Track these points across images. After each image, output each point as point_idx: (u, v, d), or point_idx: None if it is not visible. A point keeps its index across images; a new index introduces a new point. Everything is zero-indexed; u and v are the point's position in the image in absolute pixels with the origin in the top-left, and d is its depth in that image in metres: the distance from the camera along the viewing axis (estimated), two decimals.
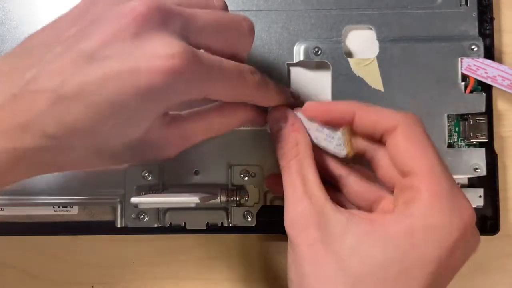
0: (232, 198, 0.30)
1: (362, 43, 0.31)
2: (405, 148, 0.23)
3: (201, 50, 0.21)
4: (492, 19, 0.31)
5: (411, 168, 0.22)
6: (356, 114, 0.24)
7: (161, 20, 0.20)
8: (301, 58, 0.30)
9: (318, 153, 0.26)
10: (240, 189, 0.30)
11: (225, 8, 0.24)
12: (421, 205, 0.22)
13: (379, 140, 0.24)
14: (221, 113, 0.25)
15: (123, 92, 0.19)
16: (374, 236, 0.22)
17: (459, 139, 0.30)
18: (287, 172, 0.24)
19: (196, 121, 0.24)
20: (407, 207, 0.22)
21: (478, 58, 0.30)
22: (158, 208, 0.30)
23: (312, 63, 0.31)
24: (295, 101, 0.28)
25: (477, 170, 0.30)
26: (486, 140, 0.30)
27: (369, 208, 0.25)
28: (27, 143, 0.19)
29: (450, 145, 0.30)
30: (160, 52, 0.19)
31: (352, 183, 0.26)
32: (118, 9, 0.20)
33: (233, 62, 0.22)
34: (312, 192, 0.23)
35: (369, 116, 0.24)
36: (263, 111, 0.26)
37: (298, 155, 0.24)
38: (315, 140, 0.25)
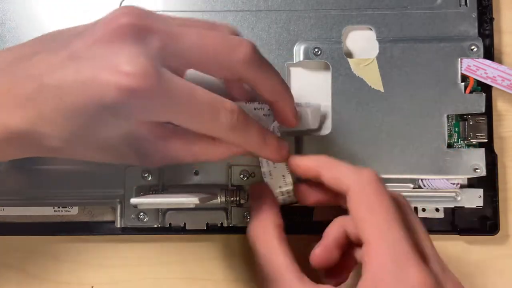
0: (231, 199, 0.30)
1: (362, 44, 0.31)
2: (355, 215, 0.23)
3: (173, 75, 0.21)
4: (491, 19, 0.31)
5: (361, 236, 0.22)
6: (320, 172, 0.25)
7: (138, 35, 0.20)
8: (301, 59, 0.30)
9: None
10: (240, 190, 0.30)
11: (232, 33, 0.23)
12: (368, 279, 0.21)
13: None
14: (210, 142, 0.24)
15: (83, 100, 0.20)
16: None
17: (459, 140, 0.30)
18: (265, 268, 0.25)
19: (184, 143, 0.24)
20: (360, 279, 0.22)
21: (477, 58, 0.30)
22: (157, 209, 0.30)
23: (312, 64, 0.31)
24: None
25: (476, 170, 0.30)
26: (486, 141, 0.30)
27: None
28: (13, 121, 0.21)
29: (450, 146, 0.30)
30: (123, 67, 0.19)
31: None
32: (107, 17, 0.21)
33: (208, 96, 0.21)
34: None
35: (329, 175, 0.25)
36: None
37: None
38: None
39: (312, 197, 0.27)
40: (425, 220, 0.31)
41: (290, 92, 0.26)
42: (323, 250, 0.25)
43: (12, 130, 0.21)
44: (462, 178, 0.30)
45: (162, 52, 0.21)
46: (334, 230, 0.25)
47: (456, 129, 0.31)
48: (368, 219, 0.22)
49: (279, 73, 0.25)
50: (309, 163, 0.26)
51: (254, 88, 0.24)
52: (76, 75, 0.20)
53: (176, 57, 0.21)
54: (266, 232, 0.26)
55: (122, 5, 0.31)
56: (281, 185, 0.28)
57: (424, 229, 0.24)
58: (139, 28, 0.20)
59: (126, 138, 0.23)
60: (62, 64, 0.20)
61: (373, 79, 0.30)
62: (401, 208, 0.24)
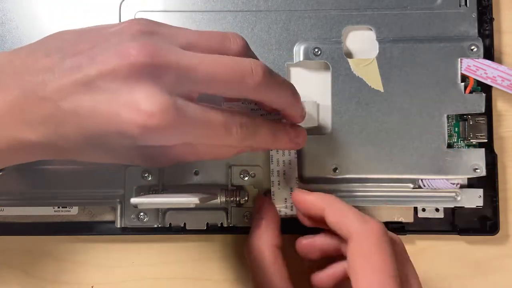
0: (231, 199, 0.30)
1: (362, 44, 0.31)
2: (351, 263, 0.23)
3: (188, 105, 0.21)
4: (491, 19, 0.31)
5: (353, 284, 0.23)
6: (324, 211, 0.25)
7: (154, 72, 0.21)
8: (301, 59, 0.30)
9: None
10: (240, 190, 0.30)
11: (243, 50, 0.24)
12: None
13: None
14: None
15: (103, 129, 0.21)
16: None
17: (459, 140, 0.31)
18: None
19: (189, 145, 0.24)
20: None
21: (477, 58, 0.30)
22: (158, 209, 0.30)
23: (312, 64, 0.31)
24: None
25: (476, 170, 0.30)
26: (486, 141, 0.30)
27: None
28: (28, 137, 0.21)
29: (449, 146, 0.30)
30: (142, 106, 0.20)
31: None
32: (120, 46, 0.21)
33: (221, 116, 0.22)
34: None
35: (332, 218, 0.25)
36: None
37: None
38: None
39: (310, 223, 0.28)
40: (425, 220, 0.31)
41: (298, 99, 0.26)
42: (308, 245, 0.26)
43: (26, 143, 0.22)
44: (462, 178, 0.30)
45: (176, 84, 0.21)
46: (326, 241, 0.26)
47: (456, 129, 0.31)
48: (363, 272, 0.23)
49: (289, 84, 0.25)
50: (315, 201, 0.26)
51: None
52: (94, 108, 0.21)
53: (189, 87, 0.22)
54: (261, 252, 0.27)
55: (122, 5, 0.31)
56: (287, 197, 0.29)
57: (412, 266, 0.25)
58: (153, 67, 0.21)
59: (136, 146, 0.23)
60: (76, 89, 0.21)
61: (373, 79, 0.30)
62: (396, 251, 0.24)
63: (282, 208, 0.29)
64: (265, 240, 0.27)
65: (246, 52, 0.24)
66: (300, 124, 0.29)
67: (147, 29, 0.22)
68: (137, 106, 0.20)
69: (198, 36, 0.23)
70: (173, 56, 0.21)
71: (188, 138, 0.22)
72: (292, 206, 0.29)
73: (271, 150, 0.29)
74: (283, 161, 0.29)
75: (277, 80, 0.24)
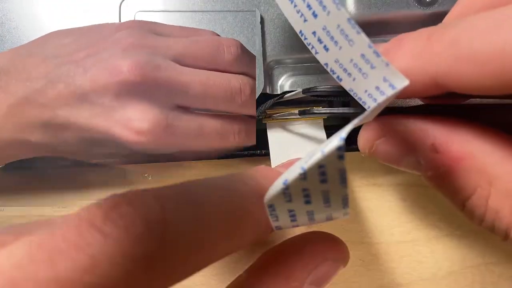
0: None
1: None
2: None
3: (181, 117, 0.22)
4: None
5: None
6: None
7: (145, 90, 0.21)
8: None
9: None
10: None
11: (238, 59, 0.25)
12: None
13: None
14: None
15: (101, 137, 0.22)
16: None
17: None
18: None
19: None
20: None
21: None
22: None
23: None
24: None
25: None
26: None
27: None
28: (28, 138, 0.23)
29: None
30: (133, 123, 0.21)
31: None
32: (112, 62, 0.21)
33: (217, 125, 0.23)
34: None
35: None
36: None
37: None
38: None
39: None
40: None
41: None
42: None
43: (26, 144, 0.23)
44: None
45: (167, 101, 0.22)
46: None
47: None
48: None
49: None
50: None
51: None
52: (91, 120, 0.22)
53: (180, 102, 0.23)
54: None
55: (122, 5, 0.31)
56: None
57: None
58: (144, 85, 0.21)
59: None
60: (71, 100, 0.22)
61: None
62: None
63: None
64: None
65: (241, 59, 0.25)
66: None
67: (139, 43, 0.22)
68: (128, 124, 0.21)
69: (192, 46, 0.24)
70: (164, 74, 0.22)
71: (185, 147, 0.23)
72: None
73: None
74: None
75: None
